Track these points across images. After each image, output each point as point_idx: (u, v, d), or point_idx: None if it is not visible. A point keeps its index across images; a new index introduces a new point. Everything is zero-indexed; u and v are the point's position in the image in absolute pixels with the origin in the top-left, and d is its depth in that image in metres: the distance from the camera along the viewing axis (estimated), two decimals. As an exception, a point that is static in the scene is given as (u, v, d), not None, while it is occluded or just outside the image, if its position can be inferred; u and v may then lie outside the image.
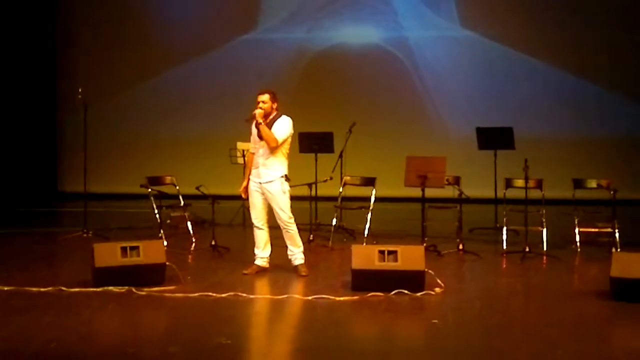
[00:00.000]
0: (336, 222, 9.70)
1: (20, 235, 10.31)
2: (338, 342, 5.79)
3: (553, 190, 9.61)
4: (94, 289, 6.94)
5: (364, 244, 8.80)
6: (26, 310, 6.42)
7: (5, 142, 13.85)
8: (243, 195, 7.85)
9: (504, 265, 8.64)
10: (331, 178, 9.87)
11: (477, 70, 14.04)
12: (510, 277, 8.19)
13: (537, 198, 9.23)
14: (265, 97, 7.54)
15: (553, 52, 13.71)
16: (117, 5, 14.82)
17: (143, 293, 6.87)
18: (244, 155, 9.65)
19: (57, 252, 9.32)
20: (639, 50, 13.49)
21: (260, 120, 7.44)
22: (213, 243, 8.86)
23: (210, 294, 6.85)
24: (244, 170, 8.35)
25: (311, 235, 9.50)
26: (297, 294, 6.93)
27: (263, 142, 7.53)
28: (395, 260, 7.00)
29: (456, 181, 9.61)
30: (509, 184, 9.59)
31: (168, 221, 10.19)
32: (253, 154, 7.73)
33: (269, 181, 7.54)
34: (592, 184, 9.52)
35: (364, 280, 6.96)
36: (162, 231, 9.31)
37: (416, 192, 8.95)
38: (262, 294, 7.13)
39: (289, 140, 7.64)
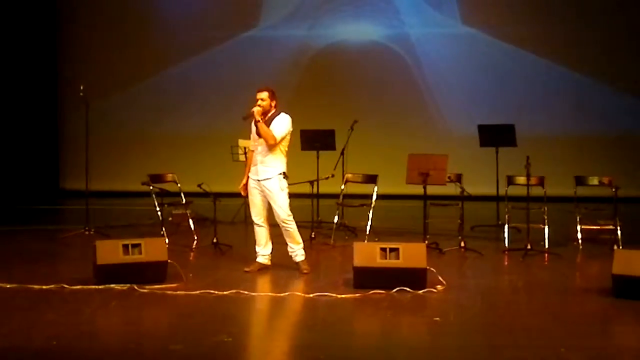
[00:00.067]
0: (338, 219, 9.70)
1: (22, 232, 10.32)
2: (340, 339, 5.78)
3: (555, 187, 9.61)
4: (96, 287, 6.95)
5: (366, 241, 8.80)
6: (28, 308, 6.43)
7: (7, 140, 13.86)
8: (242, 193, 7.85)
9: (506, 263, 8.65)
10: (333, 175, 9.87)
11: (478, 67, 14.03)
12: (511, 274, 8.18)
13: (539, 195, 9.22)
14: (264, 94, 7.54)
15: (555, 49, 13.70)
16: (118, 4, 14.83)
17: (145, 290, 6.87)
18: (245, 153, 9.65)
19: (58, 250, 9.31)
20: (639, 47, 13.47)
21: (259, 118, 7.43)
22: (215, 241, 8.87)
23: (211, 291, 6.85)
24: (246, 167, 8.35)
25: (313, 233, 9.50)
26: (298, 292, 6.93)
27: (262, 140, 7.53)
28: (397, 257, 7.00)
29: (458, 179, 9.62)
30: (510, 181, 9.59)
31: (170, 219, 10.19)
32: (253, 151, 7.73)
33: (267, 178, 7.54)
34: (594, 181, 9.52)
35: (365, 278, 6.96)
36: (163, 229, 9.30)
37: (418, 190, 8.93)
38: (263, 291, 7.13)
39: (288, 137, 7.63)
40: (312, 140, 10.39)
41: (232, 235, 9.56)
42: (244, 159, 9.74)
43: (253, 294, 6.89)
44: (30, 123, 14.16)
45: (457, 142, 12.97)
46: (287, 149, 7.65)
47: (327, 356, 5.36)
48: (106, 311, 6.44)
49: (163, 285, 7.04)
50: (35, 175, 14.20)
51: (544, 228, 9.03)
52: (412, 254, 7.02)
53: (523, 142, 10.56)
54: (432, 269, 7.11)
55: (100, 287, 6.93)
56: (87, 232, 9.83)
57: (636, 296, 6.53)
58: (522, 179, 9.01)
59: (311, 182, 9.70)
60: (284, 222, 7.57)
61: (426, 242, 8.40)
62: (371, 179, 9.78)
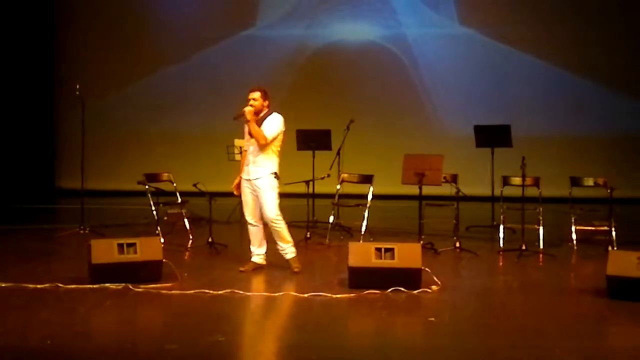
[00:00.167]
0: (333, 219, 9.70)
1: (17, 231, 10.30)
2: (334, 339, 5.79)
3: (550, 188, 9.62)
4: (91, 286, 6.94)
5: (361, 241, 8.80)
6: (22, 307, 6.42)
7: (3, 139, 13.83)
8: (235, 192, 7.85)
9: (501, 263, 8.66)
10: (329, 175, 9.87)
11: (475, 67, 14.04)
12: (506, 275, 8.20)
13: (534, 196, 9.23)
14: (256, 94, 7.53)
15: (551, 50, 13.72)
16: (115, 4, 14.82)
17: (140, 290, 6.87)
18: (241, 152, 9.65)
19: (53, 249, 9.30)
20: (637, 47, 13.50)
21: (249, 118, 7.43)
22: (210, 240, 8.87)
23: (206, 291, 6.84)
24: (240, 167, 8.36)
25: (308, 233, 9.51)
26: (293, 292, 6.93)
27: (254, 140, 7.53)
28: (392, 257, 7.00)
29: (453, 179, 9.63)
30: (506, 181, 9.60)
31: (165, 218, 10.18)
32: (246, 151, 7.74)
33: (257, 178, 7.54)
34: (589, 182, 9.53)
35: (360, 278, 6.96)
36: (159, 228, 9.30)
37: (413, 190, 8.94)
38: (258, 291, 7.12)
39: (280, 137, 7.61)
40: (308, 140, 10.40)
41: (227, 235, 9.56)
42: (240, 159, 9.76)
43: (248, 293, 6.89)
44: (26, 122, 14.15)
45: (453, 143, 12.98)
46: (279, 149, 7.64)
47: (322, 356, 5.36)
48: (101, 310, 6.43)
49: (158, 285, 7.03)
50: (31, 174, 14.18)
51: (538, 229, 9.05)
52: (407, 254, 7.03)
53: (519, 143, 10.57)
54: (427, 269, 7.12)
55: (95, 286, 6.93)
56: (82, 231, 9.81)
57: (630, 297, 6.54)
58: (517, 180, 9.02)
59: (307, 182, 9.70)
60: (272, 222, 7.55)
61: (421, 242, 8.42)
62: (367, 179, 9.78)
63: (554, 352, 5.40)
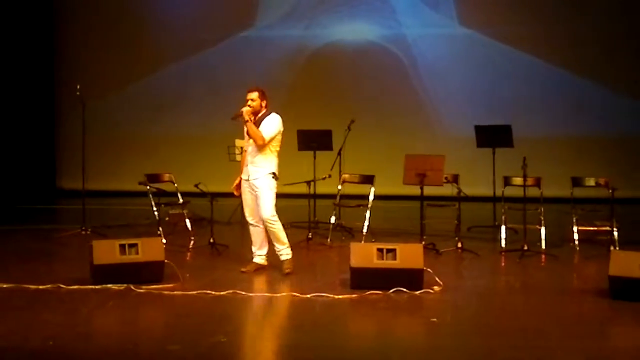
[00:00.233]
0: (335, 220, 9.69)
1: (19, 232, 10.30)
2: (336, 340, 5.79)
3: (551, 188, 9.61)
4: (93, 287, 6.94)
5: (363, 242, 8.80)
6: (24, 308, 6.42)
7: (4, 140, 13.83)
8: (235, 193, 7.85)
9: (503, 264, 8.65)
10: (330, 176, 9.87)
11: (475, 67, 14.03)
12: (508, 275, 8.20)
13: (536, 196, 9.23)
14: (254, 94, 7.53)
15: (552, 50, 13.71)
16: (115, 4, 14.81)
17: (141, 291, 6.87)
18: (242, 153, 9.65)
19: (55, 250, 9.30)
20: (637, 47, 13.49)
21: (247, 118, 7.42)
22: (211, 241, 8.87)
23: (208, 291, 6.84)
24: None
25: (310, 233, 9.50)
26: (295, 292, 6.92)
27: (252, 140, 7.53)
28: (394, 258, 7.00)
29: (455, 179, 9.63)
30: (507, 182, 9.59)
31: (167, 219, 10.17)
32: (246, 151, 7.74)
33: (256, 178, 7.53)
34: (591, 182, 9.52)
35: (362, 278, 6.96)
36: (160, 229, 9.30)
37: (415, 190, 8.94)
38: (260, 291, 7.12)
39: (279, 137, 7.59)
40: (309, 140, 10.40)
41: (228, 235, 9.56)
42: (241, 159, 9.76)
43: (250, 294, 6.89)
44: (27, 123, 14.14)
45: (454, 143, 12.97)
46: (278, 149, 7.62)
47: (323, 357, 5.37)
48: (103, 311, 6.44)
49: (160, 286, 7.04)
50: (32, 174, 14.18)
51: (540, 229, 9.04)
52: (409, 254, 7.03)
53: (520, 143, 10.56)
54: (428, 269, 7.11)
55: (97, 287, 6.93)
56: (83, 232, 9.81)
57: (633, 297, 6.54)
58: (518, 180, 9.01)
59: (308, 183, 9.70)
60: (267, 222, 7.52)
61: (423, 242, 8.42)
62: (368, 180, 9.78)
63: (556, 352, 5.40)
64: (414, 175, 8.70)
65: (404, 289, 6.84)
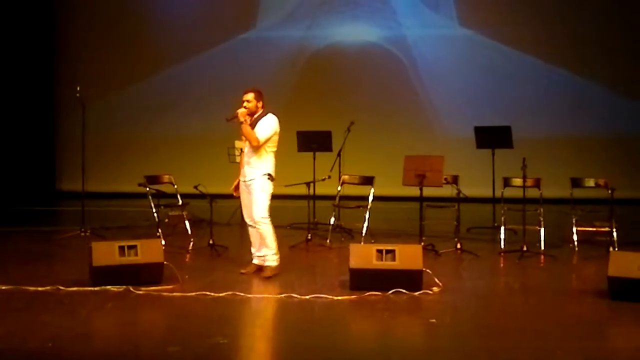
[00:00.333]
0: (334, 221, 9.69)
1: (18, 233, 10.31)
2: (336, 341, 5.78)
3: (551, 189, 9.61)
4: (92, 288, 6.93)
5: (362, 243, 8.80)
6: (23, 309, 6.42)
7: (4, 141, 13.84)
8: (234, 194, 7.84)
9: (502, 265, 8.65)
10: (329, 177, 9.86)
11: (475, 68, 14.04)
12: (507, 276, 8.20)
13: (535, 197, 9.22)
14: (250, 96, 7.52)
15: (551, 51, 13.72)
16: (115, 5, 14.83)
17: (141, 292, 6.86)
18: (241, 154, 9.65)
19: (54, 251, 9.29)
20: (637, 48, 13.49)
21: (242, 119, 7.41)
22: (211, 242, 8.87)
23: (207, 293, 6.84)
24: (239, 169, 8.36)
25: (309, 234, 9.50)
26: (294, 293, 6.91)
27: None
28: (393, 259, 7.00)
29: (454, 180, 9.63)
30: (507, 183, 9.59)
31: (166, 220, 10.18)
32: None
33: (251, 179, 7.52)
34: (590, 183, 9.52)
35: (362, 280, 6.96)
36: (160, 230, 9.30)
37: (414, 191, 8.94)
38: (259, 293, 7.11)
39: (275, 138, 7.56)
40: (308, 141, 10.40)
41: (228, 237, 9.56)
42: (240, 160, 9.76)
43: (249, 295, 6.89)
44: (26, 124, 14.16)
45: (453, 144, 12.98)
46: (274, 149, 7.58)
47: (323, 358, 5.37)
48: (102, 313, 6.43)
49: (159, 287, 7.04)
50: (32, 176, 14.18)
51: (539, 230, 9.04)
52: (408, 255, 7.03)
53: (519, 144, 10.57)
54: (428, 270, 7.11)
55: (96, 288, 6.92)
56: (83, 234, 9.81)
57: (632, 298, 6.54)
58: (518, 181, 9.01)
59: (307, 184, 9.69)
60: (257, 223, 7.50)
61: (422, 243, 8.41)
62: (368, 181, 9.78)
63: (555, 353, 5.40)
64: (414, 176, 8.70)
65: (403, 290, 6.84)
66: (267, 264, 7.60)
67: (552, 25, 13.73)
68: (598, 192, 9.52)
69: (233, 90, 13.31)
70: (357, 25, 14.30)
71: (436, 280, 7.11)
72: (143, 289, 6.92)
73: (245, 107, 7.48)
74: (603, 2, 13.71)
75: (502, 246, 9.12)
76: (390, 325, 6.23)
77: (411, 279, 6.92)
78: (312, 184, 9.74)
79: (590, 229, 9.38)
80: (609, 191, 9.02)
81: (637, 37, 13.51)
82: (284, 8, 14.51)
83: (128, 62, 14.64)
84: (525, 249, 8.59)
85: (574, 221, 9.24)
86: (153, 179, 9.84)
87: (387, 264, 6.99)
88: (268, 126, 7.49)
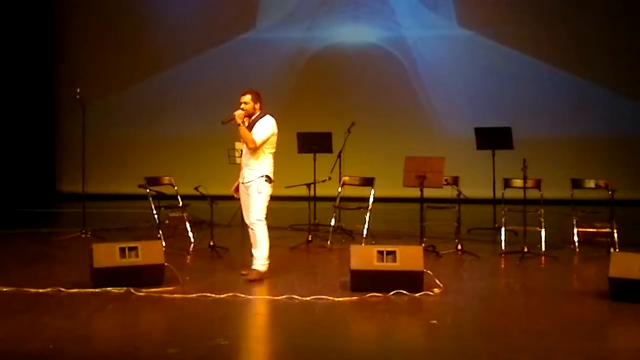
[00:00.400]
0: (335, 222, 9.69)
1: (18, 235, 10.30)
2: (337, 342, 5.78)
3: (551, 190, 9.60)
4: (93, 290, 6.93)
5: (363, 244, 8.80)
6: (24, 311, 6.42)
7: (4, 143, 13.84)
8: (235, 195, 7.83)
9: (503, 266, 8.65)
10: (330, 178, 9.87)
11: (475, 69, 14.02)
12: (508, 277, 8.20)
13: (536, 198, 9.22)
14: (247, 97, 7.49)
15: (551, 51, 13.70)
16: (115, 5, 14.81)
17: (142, 294, 6.86)
18: (242, 155, 9.65)
19: (55, 253, 9.29)
20: (639, 49, 13.48)
21: (239, 122, 7.40)
22: (211, 243, 8.86)
23: (208, 294, 6.84)
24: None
25: (310, 236, 9.49)
26: (295, 295, 6.91)
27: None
28: (394, 260, 7.00)
29: (455, 181, 9.63)
30: (507, 184, 9.58)
31: (166, 222, 10.18)
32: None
33: (250, 181, 7.50)
34: (591, 184, 9.51)
35: (362, 281, 6.96)
36: (160, 232, 9.30)
37: (415, 193, 8.94)
38: (260, 294, 7.10)
39: (273, 140, 7.52)
40: (309, 142, 10.40)
41: (228, 238, 9.56)
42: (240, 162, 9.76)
43: (250, 297, 6.89)
44: (26, 125, 14.14)
45: (454, 145, 12.96)
46: (273, 151, 7.55)
47: (324, 359, 5.36)
48: (103, 314, 6.43)
49: (160, 289, 7.03)
50: (32, 177, 14.17)
51: (540, 231, 9.03)
52: (409, 256, 7.03)
53: (520, 145, 10.56)
54: (429, 271, 7.11)
55: (96, 290, 6.92)
56: (83, 235, 9.81)
57: (633, 299, 6.53)
58: (518, 182, 9.00)
59: (308, 185, 9.69)
60: (252, 224, 7.48)
61: (423, 244, 8.41)
62: (368, 182, 9.77)
63: (556, 354, 5.40)
64: (414, 177, 8.70)
65: (404, 291, 6.84)
66: (254, 267, 7.54)
67: (553, 26, 13.71)
68: (599, 193, 9.51)
69: (233, 91, 13.25)
70: (356, 26, 14.29)
71: (437, 281, 7.11)
72: (144, 290, 6.92)
73: (242, 109, 7.46)
74: (604, 2, 13.69)
75: (503, 247, 9.11)
76: (391, 327, 6.23)
77: (412, 280, 6.92)
78: (312, 186, 9.75)
79: (591, 230, 9.39)
80: (610, 192, 9.02)
81: (638, 38, 13.49)
82: (283, 8, 14.49)
83: (127, 62, 14.62)
84: (526, 250, 8.59)
85: (574, 222, 9.23)
86: (153, 181, 9.84)
87: (387, 265, 6.99)
88: (265, 128, 7.46)
